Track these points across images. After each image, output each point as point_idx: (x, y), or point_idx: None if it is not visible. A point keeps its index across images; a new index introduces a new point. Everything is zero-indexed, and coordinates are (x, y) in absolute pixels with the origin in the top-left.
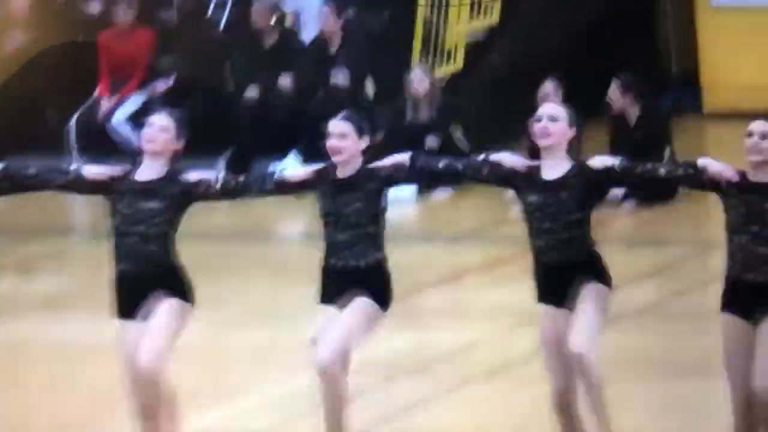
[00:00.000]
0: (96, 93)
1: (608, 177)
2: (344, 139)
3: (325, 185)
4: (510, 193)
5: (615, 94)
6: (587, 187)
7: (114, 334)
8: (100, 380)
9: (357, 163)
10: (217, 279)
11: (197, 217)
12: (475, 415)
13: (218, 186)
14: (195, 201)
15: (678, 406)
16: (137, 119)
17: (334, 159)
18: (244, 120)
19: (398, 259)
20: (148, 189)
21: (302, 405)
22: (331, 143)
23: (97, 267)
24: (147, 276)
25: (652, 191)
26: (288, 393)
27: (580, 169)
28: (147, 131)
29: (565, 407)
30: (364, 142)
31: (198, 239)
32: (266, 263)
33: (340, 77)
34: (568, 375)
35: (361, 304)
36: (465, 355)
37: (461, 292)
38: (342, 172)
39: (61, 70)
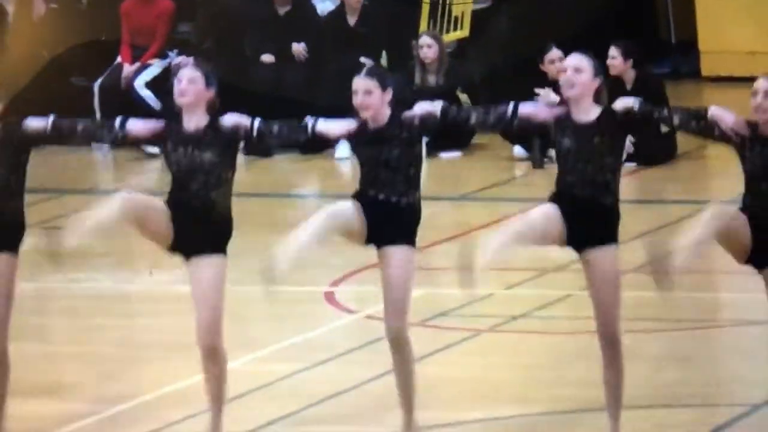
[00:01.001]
0: (118, 59)
1: (628, 118)
2: (370, 95)
3: (360, 138)
4: (517, 150)
5: (616, 59)
6: (618, 131)
7: (143, 286)
8: (125, 332)
9: (386, 114)
10: (241, 235)
11: None
12: (484, 366)
13: (255, 132)
14: (237, 144)
15: (679, 357)
16: (157, 84)
17: (363, 114)
18: (261, 85)
19: None
20: (198, 140)
21: (323, 351)
22: (357, 100)
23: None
24: (205, 222)
25: (652, 152)
26: (309, 340)
27: (610, 114)
28: (178, 86)
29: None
30: (389, 94)
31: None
32: (285, 220)
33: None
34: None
35: (404, 259)
36: (472, 308)
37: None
38: (374, 125)
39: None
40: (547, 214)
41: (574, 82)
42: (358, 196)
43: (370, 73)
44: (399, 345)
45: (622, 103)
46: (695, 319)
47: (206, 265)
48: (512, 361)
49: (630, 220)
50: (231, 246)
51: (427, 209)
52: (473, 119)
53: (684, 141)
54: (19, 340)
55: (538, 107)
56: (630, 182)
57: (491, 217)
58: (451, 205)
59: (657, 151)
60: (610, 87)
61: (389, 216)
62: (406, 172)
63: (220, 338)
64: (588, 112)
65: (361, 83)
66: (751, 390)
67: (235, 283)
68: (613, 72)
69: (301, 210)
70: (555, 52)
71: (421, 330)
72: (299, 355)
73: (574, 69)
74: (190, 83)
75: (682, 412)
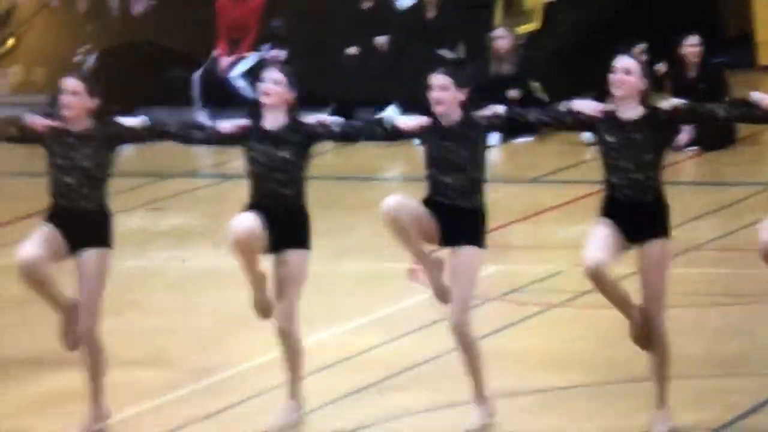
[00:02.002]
0: (215, 52)
1: (675, 116)
2: (445, 91)
3: (432, 133)
4: (586, 136)
5: (696, 48)
6: (660, 129)
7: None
8: (220, 305)
9: (457, 112)
10: (328, 216)
11: (311, 160)
12: (557, 338)
13: (335, 128)
14: (316, 142)
15: (741, 330)
16: (252, 75)
17: (436, 109)
18: (345, 75)
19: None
20: (277, 138)
21: (404, 325)
22: (433, 95)
23: (218, 205)
24: (280, 214)
25: (714, 137)
26: (391, 314)
27: (653, 113)
28: (263, 86)
29: (597, 281)
30: (462, 94)
31: (310, 181)
32: (370, 202)
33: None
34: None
35: (468, 259)
36: (546, 283)
37: (541, 228)
38: (446, 121)
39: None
40: (604, 233)
41: (623, 82)
42: (427, 203)
43: (447, 71)
44: (460, 335)
45: (668, 104)
46: (753, 294)
47: (289, 257)
48: (581, 333)
49: (692, 201)
50: (319, 227)
51: (501, 191)
52: (532, 118)
53: (743, 127)
54: (124, 313)
55: (590, 105)
56: (692, 166)
57: (562, 199)
58: (524, 187)
59: (717, 137)
60: (675, 74)
61: (457, 220)
62: (471, 175)
63: (293, 324)
64: (633, 112)
65: (437, 79)
66: None
67: (321, 260)
68: (692, 59)
69: (382, 192)
70: (693, 41)
71: (498, 305)
72: (383, 328)
73: (623, 70)
74: (275, 84)
75: (741, 381)
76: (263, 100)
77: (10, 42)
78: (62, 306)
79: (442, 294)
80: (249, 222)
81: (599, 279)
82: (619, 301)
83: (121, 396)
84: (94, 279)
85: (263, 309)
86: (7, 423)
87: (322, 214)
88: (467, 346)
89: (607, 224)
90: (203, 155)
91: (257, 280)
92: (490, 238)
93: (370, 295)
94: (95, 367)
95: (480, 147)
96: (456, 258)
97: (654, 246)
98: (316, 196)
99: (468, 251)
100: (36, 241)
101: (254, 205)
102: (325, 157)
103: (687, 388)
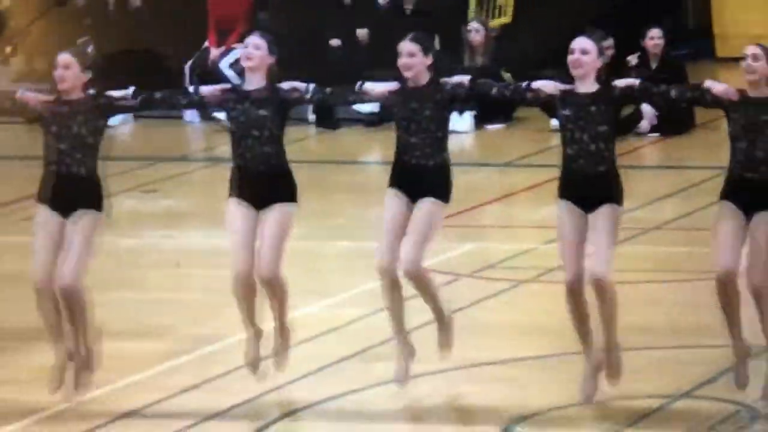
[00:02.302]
0: (205, 44)
1: (630, 94)
2: (413, 57)
3: (399, 96)
4: (554, 123)
5: (659, 40)
6: (613, 103)
7: (226, 242)
8: (211, 281)
9: (426, 76)
10: (312, 198)
11: (295, 146)
12: (525, 311)
13: (309, 94)
14: (292, 106)
15: (700, 304)
16: (239, 65)
17: (405, 74)
18: (329, 64)
19: (459, 181)
20: (256, 98)
21: (382, 301)
22: (401, 61)
23: (210, 187)
24: (262, 172)
25: (673, 123)
26: (373, 289)
27: (607, 89)
28: (244, 51)
29: (576, 293)
30: (430, 59)
31: (295, 165)
32: (352, 185)
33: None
34: (581, 264)
35: (427, 208)
36: (515, 261)
37: (512, 209)
38: (413, 84)
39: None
40: (562, 218)
41: (581, 62)
42: (395, 166)
43: (415, 39)
44: (414, 275)
45: (624, 82)
46: (713, 271)
47: (274, 209)
48: (548, 307)
49: (654, 183)
50: (305, 208)
51: (475, 174)
52: (494, 91)
53: (701, 115)
54: (120, 288)
55: (548, 84)
56: (654, 151)
57: (532, 182)
58: (496, 171)
59: (677, 123)
60: (638, 64)
61: (421, 177)
62: (434, 135)
63: (279, 270)
64: (589, 88)
65: (405, 46)
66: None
67: (308, 239)
68: (654, 50)
69: (364, 175)
70: (656, 33)
71: (471, 281)
72: (365, 301)
73: (580, 51)
74: (255, 49)
75: (698, 352)
76: (245, 63)
77: (8, 49)
78: (60, 343)
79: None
80: (245, 259)
81: None
82: None
83: (117, 366)
84: (82, 236)
85: (254, 365)
86: (8, 392)
87: (307, 196)
88: (422, 284)
89: (569, 203)
90: (194, 139)
91: (255, 332)
92: (463, 217)
93: (353, 271)
94: (80, 321)
95: (443, 110)
96: (417, 209)
97: (604, 210)
98: (301, 180)
99: (428, 202)
100: (43, 258)
101: (237, 171)
102: (309, 141)
103: (646, 358)
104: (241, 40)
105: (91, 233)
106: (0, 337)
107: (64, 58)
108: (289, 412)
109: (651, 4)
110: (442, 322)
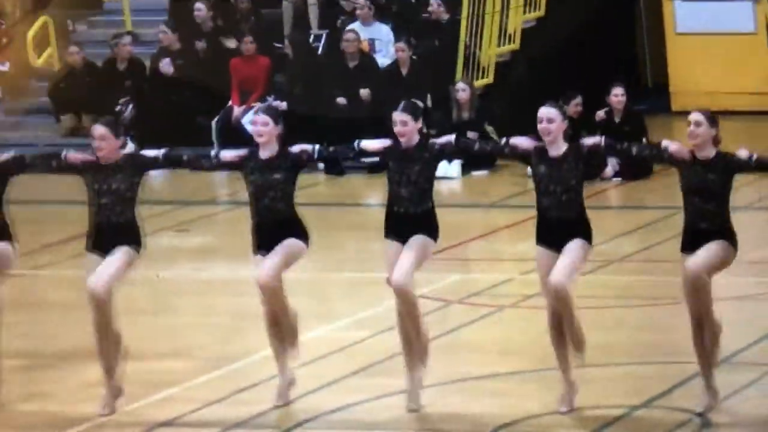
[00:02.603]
0: (229, 103)
1: (597, 150)
2: (405, 125)
3: (393, 154)
4: (529, 170)
5: (622, 97)
6: (581, 160)
7: (248, 273)
8: (235, 307)
9: (416, 138)
10: (321, 235)
11: (306, 191)
12: (506, 334)
13: (316, 155)
14: (302, 167)
15: (656, 326)
16: None
17: (401, 140)
18: (335, 120)
19: (448, 220)
20: (271, 165)
21: (385, 322)
22: (396, 129)
23: (234, 227)
24: (278, 226)
25: (634, 170)
26: (374, 315)
27: (576, 148)
28: (255, 129)
29: (557, 325)
30: (419, 123)
31: (305, 206)
32: (356, 224)
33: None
34: None
35: (419, 240)
36: (497, 289)
37: (495, 245)
38: (406, 145)
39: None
40: (540, 261)
41: (549, 130)
42: (388, 216)
43: (405, 108)
44: (403, 294)
45: (591, 140)
46: (669, 297)
47: (287, 240)
48: (528, 329)
49: (616, 222)
50: (314, 243)
51: (462, 215)
52: (476, 147)
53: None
54: (158, 314)
55: (524, 141)
56: (616, 193)
57: (512, 220)
58: (480, 211)
59: (637, 169)
60: (605, 119)
61: (411, 223)
62: (423, 187)
63: (279, 281)
64: (559, 148)
65: (398, 116)
66: None
67: (317, 271)
68: (617, 106)
69: (367, 216)
70: (619, 91)
71: (459, 306)
72: (367, 325)
73: (547, 120)
74: (264, 126)
75: (653, 368)
76: (258, 140)
77: (4, 41)
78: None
79: None
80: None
81: None
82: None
83: (153, 381)
84: (118, 256)
85: (283, 396)
86: (56, 405)
87: (316, 234)
88: (409, 299)
89: (544, 249)
90: (220, 185)
91: (284, 343)
92: (451, 252)
93: (356, 298)
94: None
95: (431, 166)
96: (409, 241)
97: (573, 241)
98: (311, 220)
99: (420, 236)
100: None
101: (257, 227)
102: (319, 187)
103: (610, 372)
104: (260, 99)
105: (126, 257)
106: (51, 356)
107: (99, 131)
108: (302, 422)
109: (614, 65)
110: (420, 342)
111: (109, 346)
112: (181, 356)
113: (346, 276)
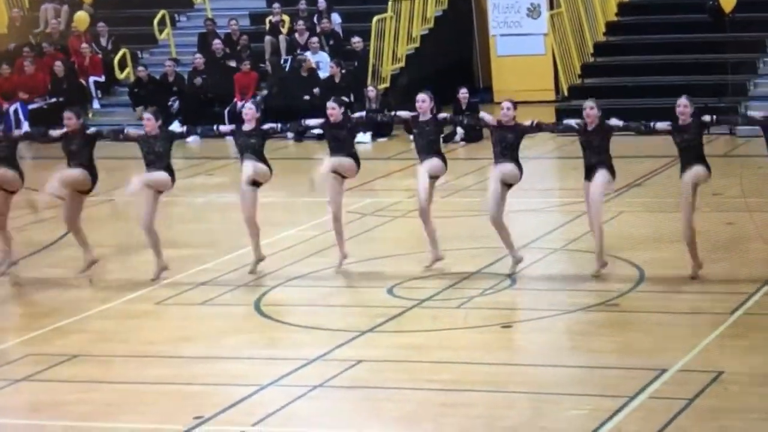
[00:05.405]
0: (234, 99)
1: (450, 123)
2: (334, 110)
3: (328, 127)
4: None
5: (465, 93)
6: (440, 125)
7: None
8: (240, 217)
9: (340, 116)
10: (286, 176)
11: (278, 151)
12: (398, 234)
13: (279, 129)
14: (271, 136)
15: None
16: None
17: (331, 117)
18: (296, 108)
19: (363, 167)
20: (250, 134)
21: (327, 227)
22: (329, 112)
23: (239, 172)
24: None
25: (472, 135)
26: (321, 222)
27: (440, 119)
28: (244, 111)
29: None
30: (342, 109)
31: (279, 160)
32: (308, 169)
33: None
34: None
35: (347, 161)
36: (393, 207)
37: (391, 181)
38: (335, 121)
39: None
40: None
41: (423, 107)
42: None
43: (335, 101)
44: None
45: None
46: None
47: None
48: (413, 229)
49: (461, 166)
50: (283, 180)
51: (372, 164)
52: (379, 118)
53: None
54: (197, 221)
55: (405, 113)
56: (464, 151)
57: (402, 167)
58: (382, 162)
59: (474, 134)
60: (454, 109)
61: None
62: (347, 143)
63: (256, 213)
64: (426, 116)
65: (330, 105)
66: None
67: (288, 196)
68: (463, 99)
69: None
70: (464, 90)
71: (370, 217)
72: (319, 228)
73: (421, 100)
74: (249, 110)
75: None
76: (244, 117)
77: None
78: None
79: None
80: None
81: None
82: None
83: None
84: (160, 175)
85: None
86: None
87: (284, 177)
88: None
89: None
90: (231, 146)
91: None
92: (366, 186)
93: (308, 213)
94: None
95: (352, 131)
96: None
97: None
98: (281, 168)
99: (346, 159)
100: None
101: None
102: (288, 149)
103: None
104: (251, 97)
105: (163, 179)
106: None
107: (147, 116)
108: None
109: (460, 74)
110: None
111: (156, 239)
112: (212, 246)
113: (304, 200)
